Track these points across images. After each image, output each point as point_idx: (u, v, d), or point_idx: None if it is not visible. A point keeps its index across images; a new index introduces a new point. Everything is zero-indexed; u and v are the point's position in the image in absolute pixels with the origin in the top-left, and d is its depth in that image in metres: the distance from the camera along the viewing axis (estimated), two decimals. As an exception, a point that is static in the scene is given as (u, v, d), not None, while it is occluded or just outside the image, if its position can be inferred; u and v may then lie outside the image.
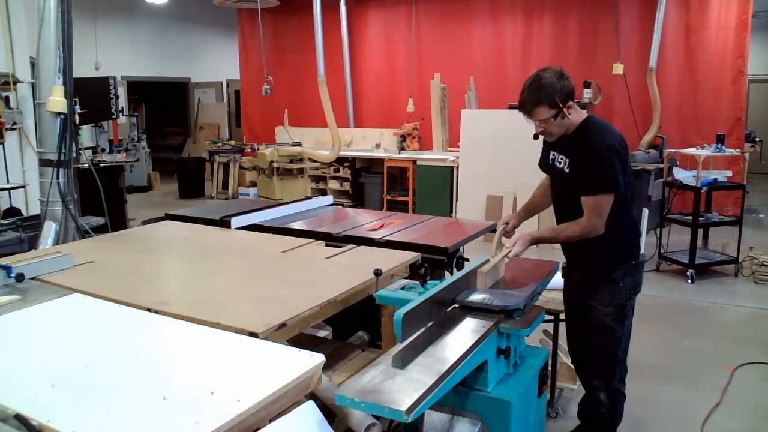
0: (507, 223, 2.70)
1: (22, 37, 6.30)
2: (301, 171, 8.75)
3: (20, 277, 2.37)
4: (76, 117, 3.98)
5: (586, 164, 2.41)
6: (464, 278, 2.42)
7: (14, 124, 6.23)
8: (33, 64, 5.04)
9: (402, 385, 1.69)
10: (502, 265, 2.56)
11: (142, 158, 11.47)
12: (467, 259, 3.10)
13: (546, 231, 2.60)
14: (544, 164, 2.72)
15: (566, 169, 2.51)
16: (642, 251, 2.70)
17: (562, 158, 2.55)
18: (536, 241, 2.52)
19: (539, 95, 2.38)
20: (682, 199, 6.67)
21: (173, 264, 2.92)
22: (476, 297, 2.30)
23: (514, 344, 2.23)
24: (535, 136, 2.58)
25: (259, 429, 1.44)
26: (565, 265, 2.76)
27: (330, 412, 1.81)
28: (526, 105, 2.43)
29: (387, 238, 3.12)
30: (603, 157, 2.35)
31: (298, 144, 9.05)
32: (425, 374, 1.75)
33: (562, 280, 2.79)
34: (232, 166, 10.40)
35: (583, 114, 2.49)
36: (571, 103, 2.40)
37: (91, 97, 4.93)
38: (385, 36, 10.33)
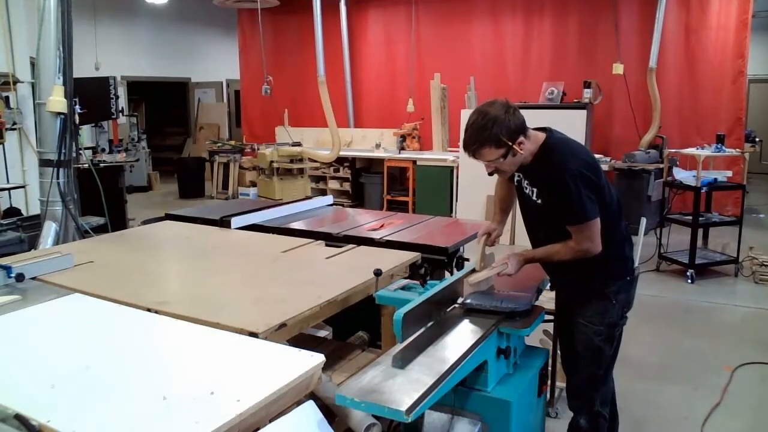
0: (489, 234, 2.50)
1: (22, 37, 6.29)
2: (301, 171, 8.75)
3: (20, 277, 2.37)
4: (76, 117, 3.99)
5: (554, 196, 2.22)
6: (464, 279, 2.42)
7: (14, 124, 6.22)
8: (33, 64, 5.04)
9: (402, 385, 1.69)
10: (492, 278, 2.45)
11: (142, 158, 11.46)
12: (467, 259, 3.10)
13: (539, 252, 2.36)
14: (510, 178, 2.48)
15: (537, 200, 2.31)
16: (636, 264, 2.49)
17: (528, 184, 2.34)
18: (529, 261, 2.35)
19: (483, 135, 2.14)
20: (682, 199, 6.66)
21: (173, 264, 2.92)
22: (483, 300, 2.29)
23: (514, 344, 2.23)
24: (490, 174, 2.33)
25: (259, 429, 1.44)
26: (552, 281, 2.59)
27: (330, 412, 1.81)
28: (470, 146, 2.19)
29: (387, 238, 3.12)
30: (568, 186, 2.14)
31: (298, 144, 9.05)
32: (425, 374, 1.76)
33: None
34: (232, 166, 10.40)
35: (540, 138, 2.26)
36: (521, 138, 2.17)
37: (91, 97, 4.94)
38: (385, 36, 10.33)
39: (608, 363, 2.45)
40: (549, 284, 2.63)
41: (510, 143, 2.15)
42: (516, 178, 2.40)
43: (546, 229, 2.33)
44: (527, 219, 2.46)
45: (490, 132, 2.14)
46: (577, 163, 2.19)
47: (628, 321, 2.46)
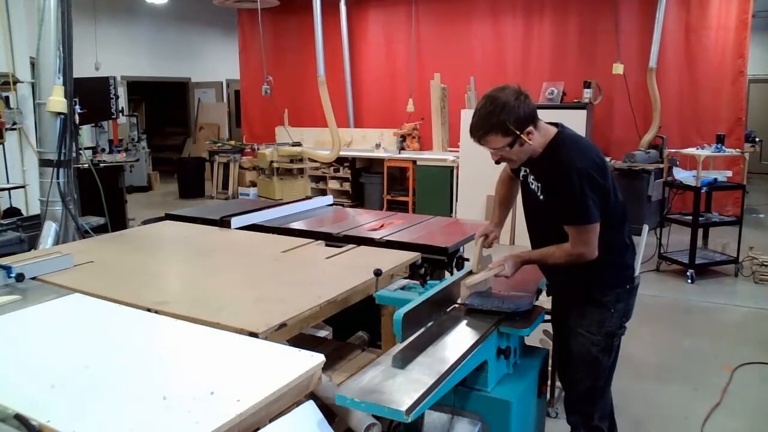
0: (486, 236, 2.44)
1: (22, 37, 6.29)
2: (301, 171, 8.75)
3: (20, 277, 2.37)
4: (76, 117, 3.99)
5: (557, 193, 2.15)
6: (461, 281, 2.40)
7: (14, 124, 6.22)
8: (33, 64, 5.04)
9: (402, 385, 1.69)
10: (489, 281, 2.41)
11: (142, 158, 11.46)
12: (467, 259, 3.09)
13: (535, 254, 2.30)
14: (516, 174, 2.42)
15: (540, 196, 2.24)
16: (637, 273, 2.41)
17: (533, 180, 2.27)
18: (525, 262, 2.29)
19: (490, 121, 2.07)
20: (682, 199, 6.66)
21: (173, 264, 2.92)
22: (485, 300, 2.29)
23: (514, 344, 2.23)
24: (497, 162, 2.25)
25: (259, 429, 1.44)
26: (549, 285, 2.53)
27: (330, 412, 1.81)
28: (476, 132, 2.12)
29: (387, 238, 3.12)
30: (573, 185, 2.06)
31: (298, 144, 9.05)
32: (425, 374, 1.76)
33: None
34: (232, 166, 10.40)
35: (551, 132, 2.18)
36: (530, 127, 2.09)
37: (91, 97, 4.94)
38: (385, 36, 10.33)
39: (607, 375, 2.37)
40: (546, 288, 2.57)
41: (518, 132, 2.07)
42: (522, 173, 2.34)
43: (547, 227, 2.27)
44: (529, 216, 2.40)
45: (497, 118, 2.06)
46: (585, 161, 2.10)
47: (628, 321, 2.41)
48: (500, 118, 2.06)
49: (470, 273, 2.38)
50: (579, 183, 2.06)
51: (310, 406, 1.60)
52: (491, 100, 2.09)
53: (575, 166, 2.08)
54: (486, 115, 2.09)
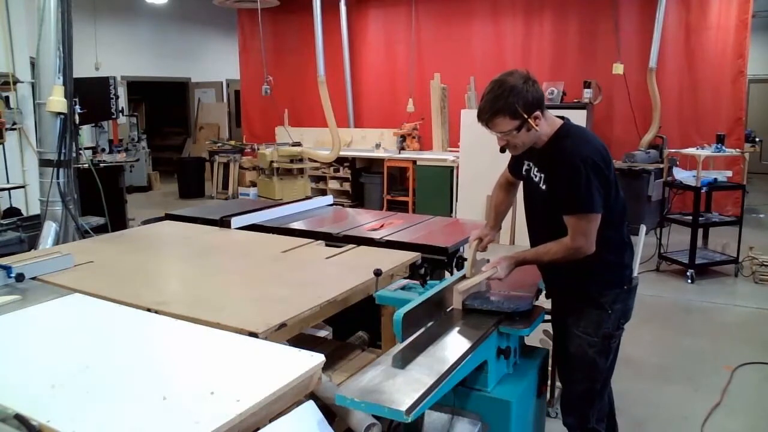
0: (481, 239, 2.45)
1: (22, 37, 6.29)
2: (301, 171, 8.75)
3: (20, 277, 2.37)
4: (76, 117, 3.98)
5: (561, 181, 2.13)
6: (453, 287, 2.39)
7: (14, 124, 6.22)
8: (33, 64, 5.04)
9: (402, 385, 1.69)
10: (483, 285, 2.38)
11: (142, 158, 11.46)
12: (467, 259, 3.09)
13: (529, 253, 2.28)
14: (517, 172, 2.42)
15: (542, 186, 2.22)
16: (635, 274, 2.37)
17: (536, 172, 2.26)
18: (520, 263, 2.27)
19: (498, 104, 2.08)
20: (682, 199, 6.66)
21: (173, 264, 2.92)
22: (485, 301, 2.28)
23: (514, 344, 2.23)
24: (502, 149, 2.24)
25: (259, 429, 1.44)
26: (547, 286, 2.50)
27: (330, 412, 1.81)
28: (483, 115, 2.12)
29: (387, 238, 3.12)
30: (578, 172, 2.05)
31: (298, 144, 9.05)
32: (425, 374, 1.76)
33: None
34: (232, 166, 10.40)
35: (557, 123, 2.20)
36: (538, 113, 2.10)
37: (91, 97, 4.93)
38: (385, 36, 10.33)
39: (604, 377, 2.35)
40: (545, 291, 2.55)
41: (525, 116, 2.08)
42: (525, 168, 2.33)
43: (547, 223, 2.24)
44: (530, 212, 2.39)
45: (505, 101, 2.07)
46: (590, 150, 2.11)
47: (626, 322, 2.39)
48: (508, 101, 2.07)
49: (464, 277, 2.36)
50: (584, 170, 2.06)
51: (310, 406, 1.60)
52: (499, 83, 2.10)
53: (581, 154, 2.09)
54: (494, 98, 2.09)
